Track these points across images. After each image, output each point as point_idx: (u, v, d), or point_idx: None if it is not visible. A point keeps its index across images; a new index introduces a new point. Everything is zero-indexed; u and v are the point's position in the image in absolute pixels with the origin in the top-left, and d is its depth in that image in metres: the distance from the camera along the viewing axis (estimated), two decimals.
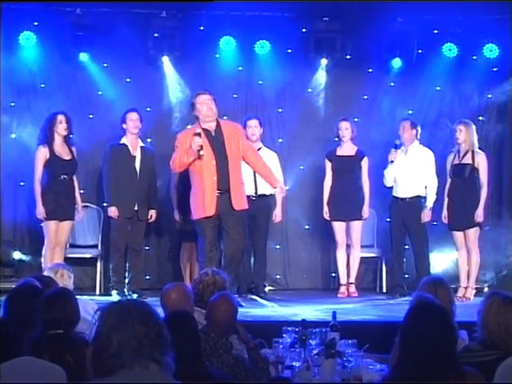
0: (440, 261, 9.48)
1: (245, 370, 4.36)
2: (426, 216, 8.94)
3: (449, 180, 8.90)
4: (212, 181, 7.76)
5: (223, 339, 4.48)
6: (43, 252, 8.40)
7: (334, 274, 9.77)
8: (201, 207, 7.78)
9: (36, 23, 9.31)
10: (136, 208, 8.81)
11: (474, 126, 8.86)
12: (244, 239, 7.99)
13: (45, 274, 6.11)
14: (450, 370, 3.29)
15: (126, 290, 8.79)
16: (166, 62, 9.70)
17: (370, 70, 9.97)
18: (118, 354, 2.78)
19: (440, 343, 3.29)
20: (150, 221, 8.97)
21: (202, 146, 7.73)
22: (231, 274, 7.63)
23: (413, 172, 8.95)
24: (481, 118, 9.98)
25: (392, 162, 8.95)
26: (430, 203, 8.94)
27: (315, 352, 4.79)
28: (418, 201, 8.98)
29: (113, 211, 8.76)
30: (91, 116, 9.63)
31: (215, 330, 4.50)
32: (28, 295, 4.50)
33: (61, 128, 8.46)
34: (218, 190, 7.78)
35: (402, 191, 8.99)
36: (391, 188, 9.08)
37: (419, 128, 9.07)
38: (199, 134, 7.76)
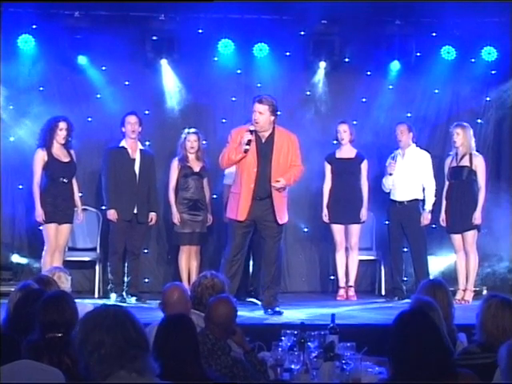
0: (438, 263, 9.48)
1: (243, 371, 4.36)
2: (426, 219, 8.95)
3: (446, 183, 8.91)
4: (249, 187, 7.64)
5: (221, 341, 4.49)
6: (43, 256, 8.39)
7: (332, 277, 9.78)
8: (234, 209, 7.72)
9: (34, 26, 9.32)
10: (135, 211, 8.81)
11: (471, 129, 8.87)
12: (278, 245, 7.89)
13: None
14: (442, 372, 3.30)
15: (124, 293, 8.79)
16: (165, 64, 9.70)
17: (369, 73, 9.98)
18: (98, 360, 2.78)
19: (427, 348, 3.30)
20: (150, 223, 8.98)
21: (249, 142, 7.60)
22: (270, 275, 7.74)
23: (410, 175, 8.95)
24: (479, 120, 9.99)
25: (391, 174, 8.94)
26: (429, 206, 8.95)
27: (314, 355, 4.78)
28: (416, 204, 8.99)
29: (112, 214, 8.76)
30: (90, 119, 9.62)
31: (214, 332, 4.51)
32: (28, 298, 4.50)
33: (60, 135, 8.45)
34: (257, 197, 7.66)
35: (400, 195, 8.99)
36: (389, 191, 9.09)
37: (413, 131, 9.11)
38: (252, 132, 7.64)
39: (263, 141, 7.74)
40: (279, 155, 7.71)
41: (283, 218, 7.80)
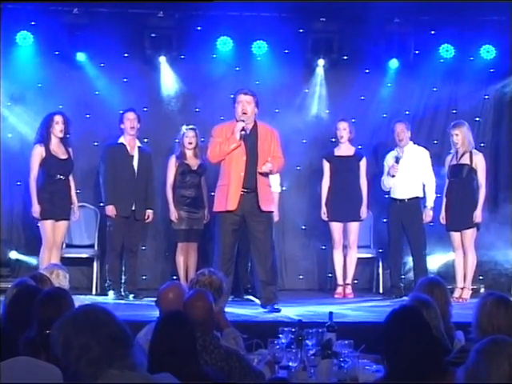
0: (436, 261, 9.48)
1: (239, 362, 4.33)
2: (428, 216, 8.95)
3: (446, 181, 8.91)
4: (239, 176, 7.67)
5: (210, 334, 4.44)
6: (40, 252, 8.40)
7: (330, 275, 9.78)
8: (224, 200, 7.70)
9: (33, 23, 9.32)
10: (133, 208, 8.81)
11: (467, 125, 8.84)
12: (270, 240, 7.85)
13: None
14: (435, 370, 3.31)
15: (122, 290, 8.79)
16: (163, 62, 9.69)
17: (367, 71, 9.97)
18: (87, 364, 2.76)
19: (419, 345, 3.30)
20: (146, 221, 8.99)
21: (243, 129, 7.66)
22: (265, 272, 7.72)
23: (410, 173, 8.95)
24: (477, 118, 9.99)
25: (393, 176, 8.92)
26: (430, 203, 8.95)
27: (311, 352, 4.78)
28: (417, 202, 8.98)
29: (110, 210, 8.76)
30: (88, 116, 9.63)
31: (198, 329, 4.46)
32: (25, 295, 4.49)
33: (57, 129, 8.46)
34: (244, 188, 7.69)
35: (401, 192, 8.98)
36: (388, 190, 9.08)
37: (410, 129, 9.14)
38: (243, 121, 7.71)
39: (247, 132, 7.79)
40: (263, 145, 7.81)
41: (268, 206, 7.80)
